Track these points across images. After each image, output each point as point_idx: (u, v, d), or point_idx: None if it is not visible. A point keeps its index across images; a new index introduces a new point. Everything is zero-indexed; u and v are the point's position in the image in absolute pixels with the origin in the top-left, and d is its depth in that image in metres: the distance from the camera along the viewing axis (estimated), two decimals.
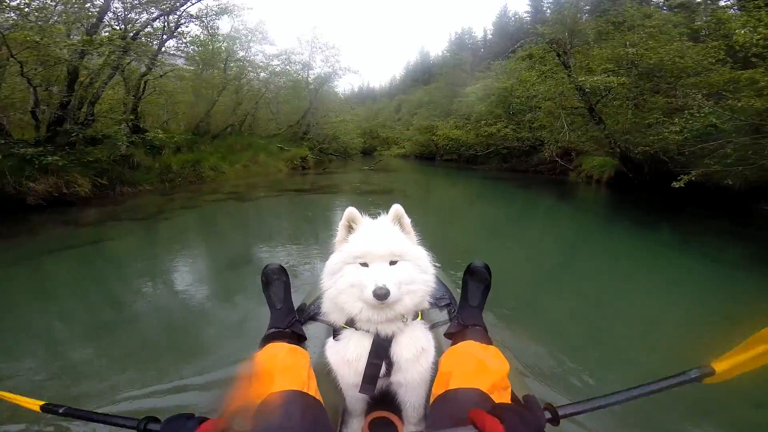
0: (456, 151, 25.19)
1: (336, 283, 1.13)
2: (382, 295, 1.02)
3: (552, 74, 12.04)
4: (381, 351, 1.14)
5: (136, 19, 9.52)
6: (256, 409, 1.03)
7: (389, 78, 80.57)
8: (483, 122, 19.12)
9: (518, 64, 21.10)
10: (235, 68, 13.78)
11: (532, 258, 4.96)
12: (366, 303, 1.08)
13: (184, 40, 11.53)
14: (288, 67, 18.39)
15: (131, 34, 9.03)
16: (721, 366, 0.87)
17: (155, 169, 9.26)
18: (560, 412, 0.82)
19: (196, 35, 12.77)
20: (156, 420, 0.86)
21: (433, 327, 1.49)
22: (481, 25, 75.55)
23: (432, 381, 1.22)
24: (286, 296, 1.66)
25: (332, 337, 1.26)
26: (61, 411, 0.94)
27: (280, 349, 1.28)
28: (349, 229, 1.16)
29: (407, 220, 1.17)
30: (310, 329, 1.68)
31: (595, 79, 9.36)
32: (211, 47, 12.53)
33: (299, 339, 1.54)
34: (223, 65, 12.75)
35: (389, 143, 42.15)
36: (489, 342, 1.37)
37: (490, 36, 50.60)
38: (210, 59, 12.45)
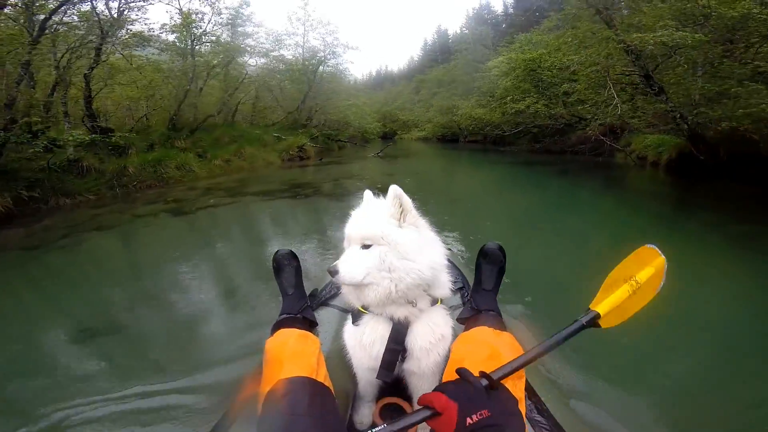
0: (481, 132, 22.95)
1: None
2: (331, 272, 1.05)
3: (593, 35, 9.66)
4: (400, 336, 1.12)
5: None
6: (265, 396, 1.03)
7: (407, 59, 77.44)
8: (509, 98, 16.74)
9: (544, 36, 18.80)
10: (210, 54, 11.83)
11: (564, 256, 3.95)
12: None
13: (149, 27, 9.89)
14: (282, 51, 16.60)
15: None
16: (601, 308, 1.00)
17: (108, 172, 7.74)
18: (494, 376, 0.85)
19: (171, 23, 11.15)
20: None
21: None
22: None
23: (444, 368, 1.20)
24: (297, 282, 1.66)
25: (351, 321, 1.23)
26: None
27: (290, 335, 1.29)
28: None
29: (407, 202, 1.07)
30: (322, 315, 1.65)
31: (661, 34, 6.96)
32: (184, 33, 10.81)
33: (311, 325, 1.54)
34: (190, 51, 10.88)
35: (409, 126, 40.50)
36: (503, 328, 1.34)
37: (511, 10, 46.85)
38: (180, 46, 10.72)
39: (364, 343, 1.15)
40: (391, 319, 1.11)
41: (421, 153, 21.19)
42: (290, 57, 17.56)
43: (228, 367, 1.97)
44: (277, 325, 1.46)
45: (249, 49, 13.82)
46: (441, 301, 1.20)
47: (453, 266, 1.70)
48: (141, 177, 8.22)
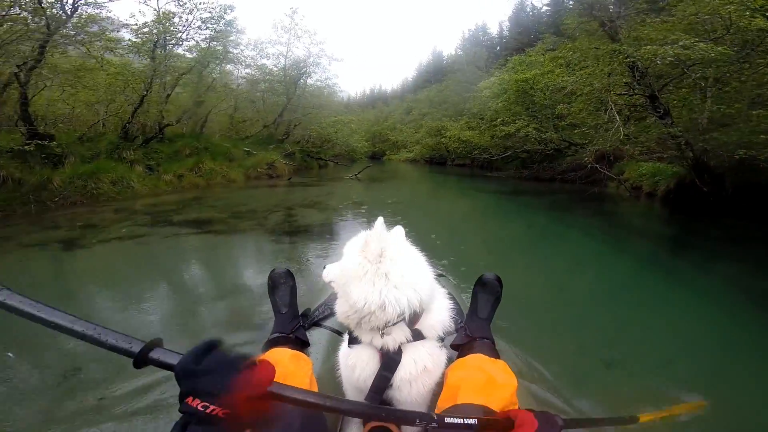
0: (468, 155, 22.26)
1: None
2: None
3: (595, 50, 8.83)
4: (392, 364, 1.09)
5: None
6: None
7: (401, 80, 77.90)
8: (499, 120, 16.01)
9: (538, 57, 18.25)
10: (176, 59, 10.77)
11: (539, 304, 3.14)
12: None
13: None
14: (264, 60, 15.71)
15: None
16: (645, 418, 1.09)
17: (28, 185, 6.61)
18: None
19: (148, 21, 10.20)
20: (160, 345, 0.64)
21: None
22: (497, 21, 72.65)
23: (437, 393, 1.19)
24: (291, 301, 1.67)
25: (347, 342, 1.21)
26: None
27: (283, 354, 1.27)
28: None
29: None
30: (314, 335, 1.66)
31: (682, 46, 5.95)
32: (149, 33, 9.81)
33: (302, 345, 1.54)
34: (150, 53, 9.81)
35: (398, 147, 40.08)
36: (497, 356, 1.36)
37: (506, 33, 47.22)
38: (142, 47, 9.69)
39: (356, 366, 1.13)
40: (381, 348, 1.10)
41: (405, 175, 20.23)
42: (273, 67, 16.65)
43: None
44: (270, 344, 1.45)
45: (229, 55, 12.83)
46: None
47: (448, 293, 1.59)
48: (66, 192, 7.02)
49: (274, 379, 0.71)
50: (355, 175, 14.43)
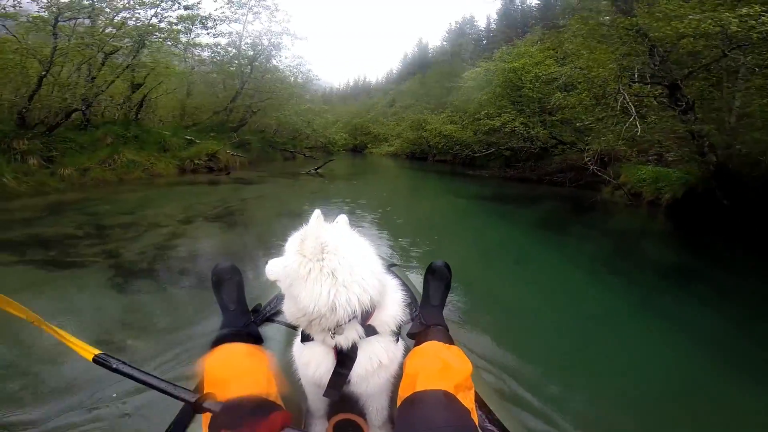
0: (450, 151, 20.68)
1: None
2: None
3: (599, 32, 7.28)
4: (346, 360, 1.06)
5: None
6: (210, 420, 0.92)
7: (386, 71, 76.00)
8: (483, 113, 14.45)
9: (528, 48, 16.79)
10: (94, 34, 8.66)
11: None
12: None
13: None
14: (219, 39, 13.62)
15: None
16: None
17: None
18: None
19: None
20: (212, 398, 0.86)
21: None
22: (484, 14, 71.63)
23: (397, 384, 1.17)
24: (240, 297, 1.59)
25: (300, 337, 1.15)
26: (114, 366, 0.93)
27: (235, 350, 1.21)
28: None
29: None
30: (267, 331, 1.56)
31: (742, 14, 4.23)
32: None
33: (256, 341, 1.44)
34: (51, 27, 7.79)
35: (380, 140, 38.40)
36: (451, 342, 1.37)
37: (494, 26, 45.73)
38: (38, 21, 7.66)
39: (311, 362, 1.09)
40: (335, 346, 1.06)
41: (379, 172, 18.52)
42: (228, 48, 14.60)
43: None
44: (219, 340, 1.29)
45: (165, 33, 10.83)
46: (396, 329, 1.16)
47: (401, 283, 1.52)
48: None
49: (230, 379, 1.03)
50: (315, 170, 12.58)
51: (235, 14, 14.24)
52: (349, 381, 1.08)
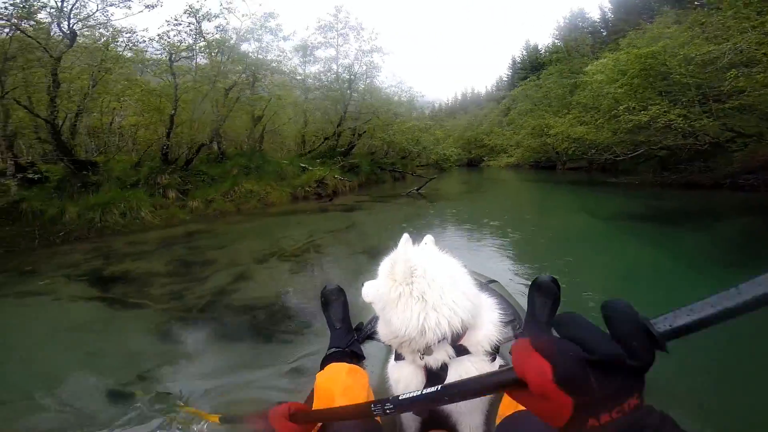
0: (584, 156, 18.11)
1: None
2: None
3: None
4: (436, 379, 1.04)
5: None
6: None
7: (494, 79, 73.00)
8: (622, 108, 12.00)
9: (664, 29, 13.88)
10: (211, 70, 9.23)
11: None
12: None
13: None
14: (312, 66, 13.91)
15: None
16: None
17: (42, 218, 6.20)
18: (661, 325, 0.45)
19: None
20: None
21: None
22: (595, 4, 64.87)
23: (494, 402, 1.15)
24: (344, 316, 1.69)
25: (394, 357, 1.17)
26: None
27: (340, 369, 1.30)
28: None
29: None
30: (368, 348, 1.62)
31: None
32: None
33: (358, 358, 1.55)
34: (168, 67, 8.34)
35: (497, 152, 36.59)
36: None
37: (611, 15, 40.14)
38: (153, 63, 8.48)
39: (403, 380, 1.10)
40: (424, 365, 1.06)
41: (497, 186, 16.70)
42: (327, 73, 14.78)
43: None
44: (327, 359, 1.47)
45: (275, 65, 11.34)
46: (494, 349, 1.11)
47: (501, 298, 1.73)
48: (74, 226, 6.37)
49: (335, 395, 1.14)
50: (416, 190, 11.61)
51: (325, 38, 14.58)
52: None
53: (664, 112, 10.98)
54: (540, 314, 1.55)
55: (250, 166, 9.90)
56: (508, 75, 61.31)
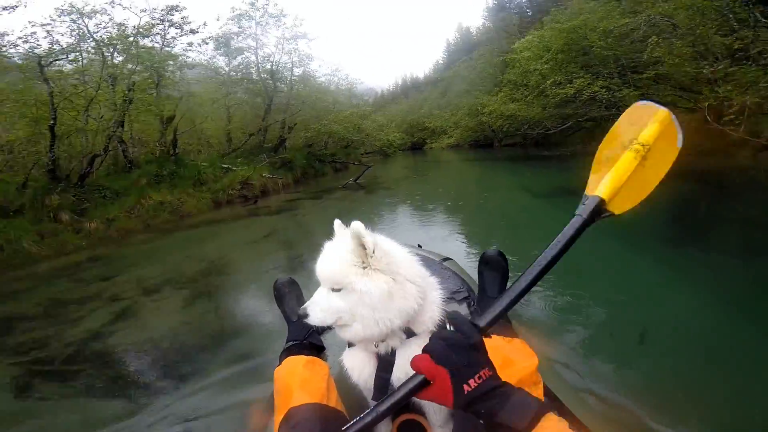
0: (518, 132, 18.50)
1: None
2: (302, 316, 1.03)
3: None
4: (387, 365, 1.05)
5: None
6: (278, 426, 1.04)
7: (432, 64, 73.63)
8: (549, 83, 12.15)
9: (587, 3, 14.29)
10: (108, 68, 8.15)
11: None
12: None
13: None
14: (232, 59, 12.71)
15: None
16: (603, 190, 0.82)
17: None
18: (481, 322, 0.75)
19: None
20: None
21: None
22: None
23: None
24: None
25: (348, 345, 1.17)
26: None
27: (298, 362, 1.29)
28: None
29: (369, 243, 0.94)
30: (329, 338, 1.61)
31: None
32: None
33: (318, 350, 1.54)
34: (38, 72, 7.05)
35: (438, 134, 37.01)
36: (513, 335, 1.35)
37: None
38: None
39: (357, 368, 1.11)
40: (376, 351, 1.07)
41: (439, 168, 16.60)
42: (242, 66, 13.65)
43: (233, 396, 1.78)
44: (285, 353, 1.45)
45: (184, 61, 10.21)
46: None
47: (456, 276, 1.71)
48: None
49: (293, 388, 1.10)
50: (354, 180, 10.97)
51: (241, 28, 13.42)
52: (392, 385, 1.06)
53: (588, 84, 11.24)
54: (491, 289, 1.55)
55: (162, 174, 8.82)
56: (444, 58, 62.06)
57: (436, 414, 1.16)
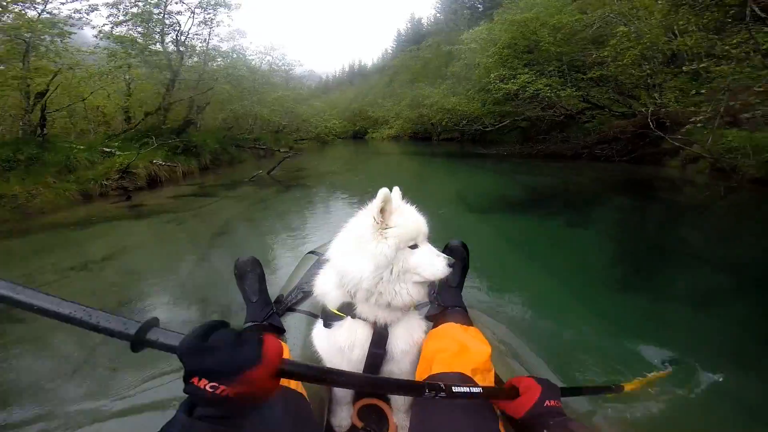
0: (456, 128, 17.74)
1: (391, 272, 1.00)
2: (450, 266, 1.02)
3: None
4: (383, 340, 1.07)
5: None
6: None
7: (381, 52, 72.52)
8: (493, 76, 11.53)
9: None
10: None
11: None
12: (431, 279, 1.04)
13: None
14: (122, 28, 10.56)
15: None
16: (629, 387, 1.28)
17: None
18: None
19: None
20: (157, 326, 0.58)
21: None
22: None
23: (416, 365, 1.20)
24: (261, 288, 1.64)
25: (322, 324, 1.14)
26: None
27: None
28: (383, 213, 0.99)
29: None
30: (288, 321, 1.58)
31: None
32: None
33: (278, 332, 1.53)
34: None
35: (380, 124, 35.92)
36: (469, 323, 1.38)
37: None
38: None
39: (342, 347, 1.07)
40: (375, 323, 1.06)
41: (373, 161, 15.39)
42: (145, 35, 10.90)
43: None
44: None
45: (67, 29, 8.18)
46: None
47: None
48: None
49: None
50: (268, 173, 9.40)
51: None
52: (392, 358, 1.08)
53: (532, 81, 10.78)
54: (451, 278, 1.56)
55: (18, 159, 6.88)
56: (393, 47, 61.02)
57: (400, 400, 1.20)
